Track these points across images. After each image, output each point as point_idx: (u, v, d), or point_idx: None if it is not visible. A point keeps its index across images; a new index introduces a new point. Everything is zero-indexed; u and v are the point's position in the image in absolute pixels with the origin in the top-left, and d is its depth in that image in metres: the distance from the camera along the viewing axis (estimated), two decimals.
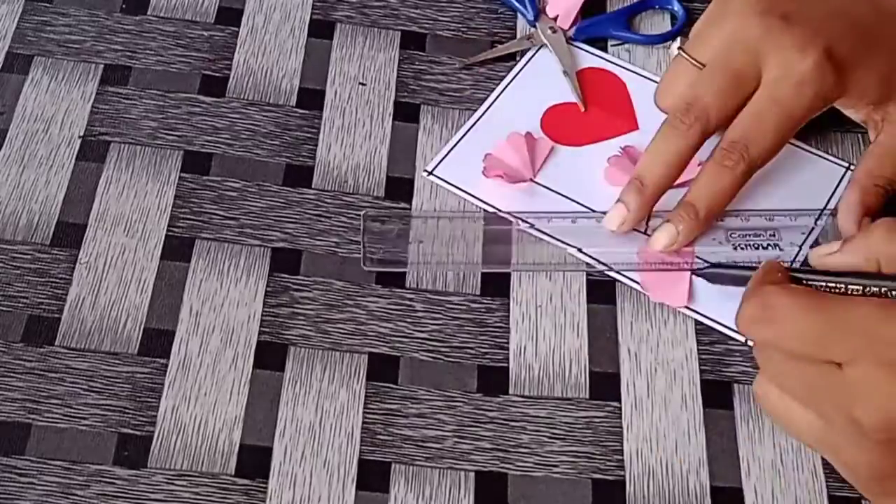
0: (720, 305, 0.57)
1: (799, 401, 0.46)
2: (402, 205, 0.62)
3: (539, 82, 0.66)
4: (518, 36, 0.69)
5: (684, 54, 0.60)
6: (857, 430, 0.43)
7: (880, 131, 0.59)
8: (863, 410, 0.43)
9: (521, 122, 0.64)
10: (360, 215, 0.61)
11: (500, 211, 0.61)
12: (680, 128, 0.57)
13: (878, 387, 0.43)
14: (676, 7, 0.69)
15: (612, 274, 0.59)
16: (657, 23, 0.70)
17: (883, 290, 0.46)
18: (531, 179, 0.62)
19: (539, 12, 0.69)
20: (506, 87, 0.66)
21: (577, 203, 0.61)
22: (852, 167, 0.63)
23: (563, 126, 0.64)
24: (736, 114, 0.57)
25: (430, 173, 0.63)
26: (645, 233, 0.59)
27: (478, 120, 0.65)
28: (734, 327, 0.56)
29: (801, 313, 0.44)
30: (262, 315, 0.57)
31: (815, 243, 0.59)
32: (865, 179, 0.58)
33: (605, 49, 0.68)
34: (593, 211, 0.61)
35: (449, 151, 0.63)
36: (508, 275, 0.59)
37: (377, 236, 0.60)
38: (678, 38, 0.67)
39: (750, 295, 0.46)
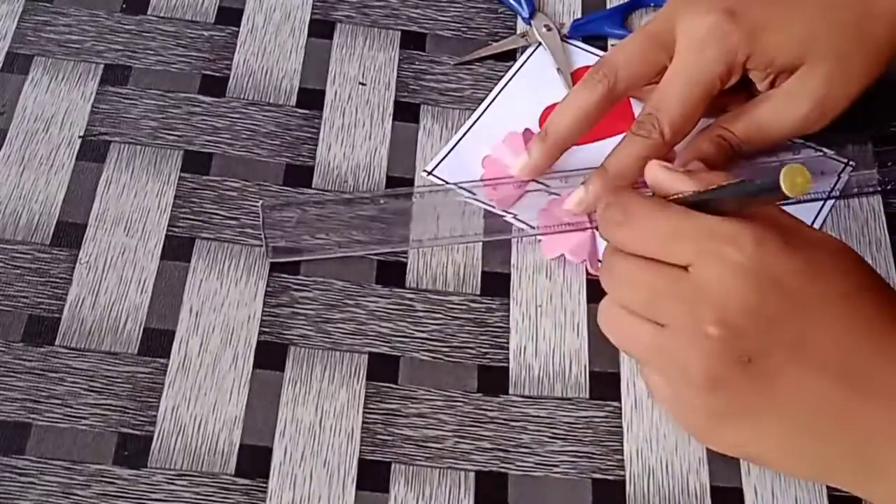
0: None
1: (641, 310, 0.46)
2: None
3: (537, 81, 0.66)
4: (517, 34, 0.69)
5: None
6: (696, 328, 0.44)
7: (762, 96, 0.59)
8: (705, 308, 0.43)
9: (519, 121, 0.64)
10: (360, 215, 0.61)
11: (501, 210, 0.61)
12: (589, 83, 0.58)
13: (720, 284, 0.43)
14: None
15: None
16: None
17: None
18: (535, 180, 0.62)
19: (534, 10, 0.69)
20: (504, 86, 0.66)
21: None
22: (851, 164, 0.63)
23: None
24: (650, 78, 0.58)
25: (430, 173, 0.63)
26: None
27: (477, 120, 0.65)
28: None
29: (655, 214, 0.46)
30: (262, 315, 0.58)
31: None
32: (717, 129, 0.58)
33: (604, 48, 0.68)
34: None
35: (449, 152, 0.63)
36: (508, 275, 0.60)
37: (277, 225, 0.59)
38: None
39: (611, 199, 0.48)
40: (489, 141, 0.63)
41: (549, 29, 0.68)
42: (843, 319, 0.44)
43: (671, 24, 0.57)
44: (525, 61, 0.67)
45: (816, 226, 0.61)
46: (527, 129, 0.63)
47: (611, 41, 0.69)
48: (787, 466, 0.47)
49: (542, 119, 0.65)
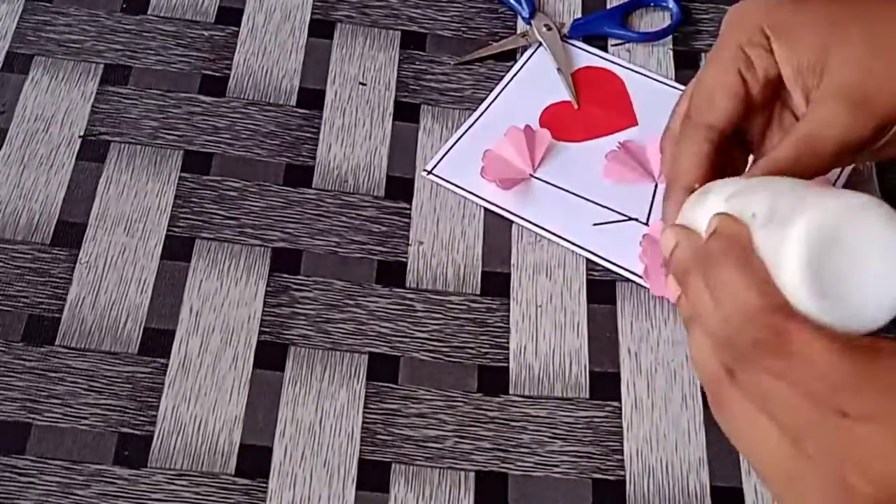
0: None
1: (779, 423, 0.40)
2: (403, 204, 0.62)
3: (537, 81, 0.67)
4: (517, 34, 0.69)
5: None
6: (842, 486, 0.39)
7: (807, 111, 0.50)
8: (860, 471, 0.38)
9: (519, 120, 0.64)
10: (360, 215, 0.61)
11: (501, 209, 0.61)
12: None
13: (886, 450, 0.38)
14: (671, 5, 0.69)
15: (613, 269, 0.59)
16: (654, 20, 0.70)
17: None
18: (531, 175, 0.62)
19: (535, 10, 0.69)
20: (505, 86, 0.66)
21: (577, 196, 0.62)
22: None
23: (561, 123, 0.65)
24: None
25: (430, 172, 0.63)
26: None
27: (477, 119, 0.65)
28: None
29: (826, 356, 0.38)
30: (262, 315, 0.57)
31: None
32: (762, 161, 0.50)
33: (604, 48, 0.68)
34: (594, 203, 0.62)
35: (448, 151, 0.63)
36: (509, 275, 0.60)
37: None
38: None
39: (755, 316, 0.39)
40: (489, 140, 0.63)
41: (550, 29, 0.68)
42: None
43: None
44: (525, 61, 0.67)
45: None
46: (527, 126, 0.63)
47: (611, 41, 0.69)
48: None
49: (542, 118, 0.65)
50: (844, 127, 0.49)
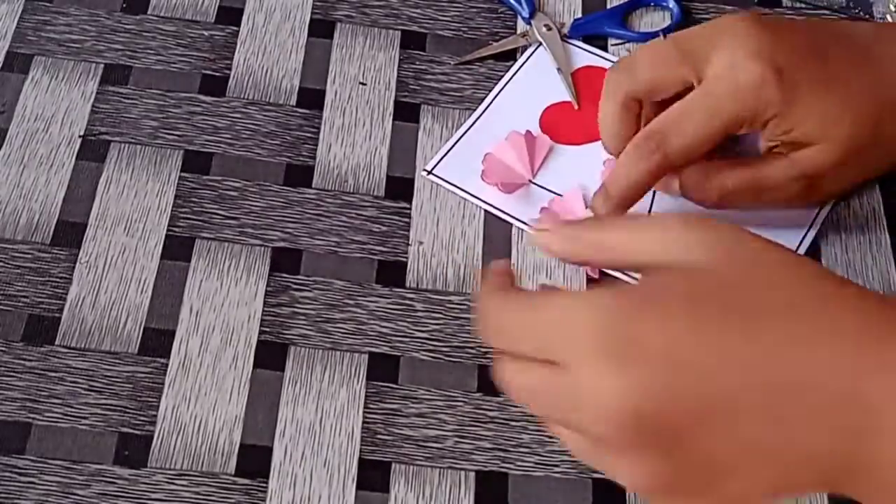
0: None
1: (544, 415, 0.42)
2: (403, 204, 0.62)
3: (538, 81, 0.66)
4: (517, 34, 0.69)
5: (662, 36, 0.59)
6: (600, 440, 0.39)
7: (767, 158, 0.57)
8: (593, 417, 0.38)
9: (519, 121, 0.64)
10: (360, 215, 0.61)
11: (500, 211, 0.61)
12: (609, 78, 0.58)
13: (602, 383, 0.38)
14: (672, 4, 0.69)
15: (610, 273, 0.59)
16: (654, 20, 0.70)
17: None
18: (530, 181, 0.62)
19: (535, 10, 0.69)
20: (504, 85, 0.66)
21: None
22: None
23: (561, 125, 0.64)
24: (671, 84, 0.56)
25: (430, 173, 0.63)
26: None
27: (477, 119, 0.65)
28: None
29: (507, 312, 0.41)
30: (262, 315, 0.57)
31: None
32: (716, 179, 0.57)
33: (604, 48, 0.68)
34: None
35: (448, 151, 0.63)
36: None
37: None
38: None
39: (477, 304, 0.43)
40: (489, 140, 0.63)
41: (550, 29, 0.68)
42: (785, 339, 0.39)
43: (710, 46, 0.55)
44: (525, 61, 0.67)
45: (817, 224, 0.61)
46: (528, 132, 0.63)
47: (611, 41, 0.69)
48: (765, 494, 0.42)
49: (543, 119, 0.65)
50: (797, 195, 0.58)
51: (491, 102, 0.65)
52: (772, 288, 0.40)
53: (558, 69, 0.67)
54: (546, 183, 0.62)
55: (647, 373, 0.38)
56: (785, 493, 0.41)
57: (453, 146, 0.64)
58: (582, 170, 0.63)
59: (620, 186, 0.56)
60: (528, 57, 0.68)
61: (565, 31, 0.69)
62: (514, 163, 0.62)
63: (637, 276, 0.51)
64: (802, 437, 0.38)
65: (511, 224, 0.61)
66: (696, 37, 0.56)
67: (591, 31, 0.69)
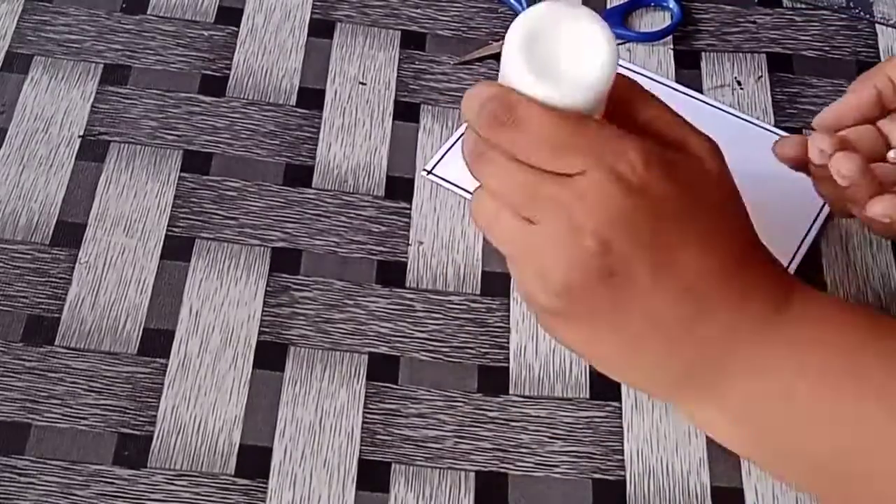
0: None
1: (515, 207, 0.45)
2: (403, 204, 0.62)
3: None
4: None
5: None
6: (570, 236, 0.44)
7: None
8: (584, 217, 0.43)
9: None
10: (359, 215, 0.61)
11: None
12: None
13: (603, 197, 0.43)
14: (672, 5, 0.69)
15: None
16: (654, 20, 0.70)
17: None
18: None
19: None
20: None
21: None
22: None
23: None
24: None
25: (430, 173, 0.62)
26: None
27: None
28: None
29: (548, 120, 0.44)
30: (262, 315, 0.57)
31: None
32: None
33: None
34: None
35: (448, 150, 0.63)
36: (509, 275, 0.59)
37: None
38: None
39: (494, 93, 0.45)
40: None
41: None
42: (706, 239, 0.45)
43: None
44: None
45: (818, 224, 0.61)
46: None
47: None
48: (621, 373, 0.49)
49: None
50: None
51: None
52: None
53: None
54: None
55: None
56: (633, 359, 0.47)
57: (452, 146, 0.63)
58: None
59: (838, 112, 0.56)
60: None
61: None
62: None
63: None
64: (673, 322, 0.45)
65: None
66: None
67: None
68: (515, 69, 0.44)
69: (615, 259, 0.44)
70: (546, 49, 0.44)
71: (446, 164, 0.63)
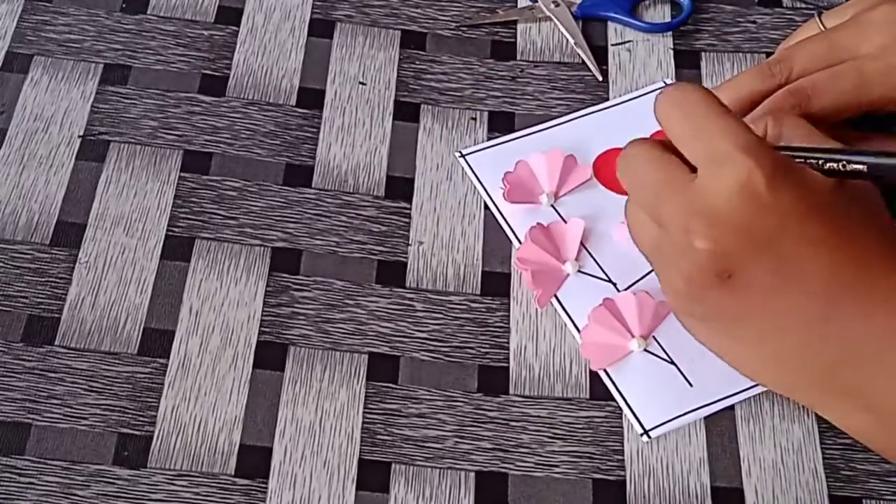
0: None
1: (646, 210, 0.48)
2: (403, 204, 0.62)
3: (614, 128, 0.64)
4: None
5: (817, 17, 0.60)
6: (685, 238, 0.45)
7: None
8: (700, 220, 0.45)
9: (572, 150, 0.62)
10: (359, 215, 0.61)
11: (504, 221, 0.61)
12: (763, 72, 0.57)
13: (721, 199, 0.44)
14: None
15: (563, 318, 0.59)
16: (665, 13, 0.70)
17: (841, 164, 0.46)
18: (551, 205, 0.61)
19: None
20: (582, 116, 0.65)
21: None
22: None
23: (612, 168, 0.57)
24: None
25: (463, 156, 0.62)
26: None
27: (535, 132, 0.64)
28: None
29: (697, 99, 0.46)
30: (262, 315, 0.57)
31: None
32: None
33: (603, 32, 0.68)
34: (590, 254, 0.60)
35: (491, 147, 0.63)
36: (509, 275, 0.59)
37: None
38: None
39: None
40: (532, 153, 0.62)
41: (558, 5, 0.68)
42: (833, 248, 0.45)
43: (861, 37, 0.56)
44: (615, 105, 0.66)
45: None
46: (571, 155, 0.62)
47: (611, 42, 0.69)
48: (760, 374, 0.50)
49: (599, 157, 0.62)
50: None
51: (558, 124, 0.64)
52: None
53: (575, 43, 0.67)
54: (558, 205, 0.61)
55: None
56: (767, 361, 0.48)
57: (497, 144, 0.63)
58: (600, 210, 0.61)
59: (729, 96, 0.56)
60: (617, 104, 0.66)
61: (574, 10, 0.69)
62: (543, 175, 0.61)
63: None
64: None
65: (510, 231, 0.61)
66: (850, 31, 0.56)
67: (596, 13, 0.69)
68: None
69: (730, 261, 0.45)
70: None
71: (480, 157, 0.62)
